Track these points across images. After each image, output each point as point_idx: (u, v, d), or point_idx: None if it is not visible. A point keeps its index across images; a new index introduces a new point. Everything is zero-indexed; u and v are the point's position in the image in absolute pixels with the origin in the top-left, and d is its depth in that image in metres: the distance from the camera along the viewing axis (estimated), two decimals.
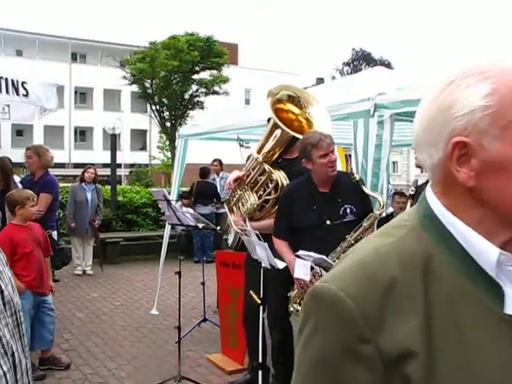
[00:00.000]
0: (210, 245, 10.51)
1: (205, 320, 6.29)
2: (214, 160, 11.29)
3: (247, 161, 4.45)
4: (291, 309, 3.68)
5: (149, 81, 22.01)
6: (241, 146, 4.97)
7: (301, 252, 3.09)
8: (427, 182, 2.84)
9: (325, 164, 3.53)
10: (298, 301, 3.63)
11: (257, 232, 3.54)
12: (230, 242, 4.97)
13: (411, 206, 2.91)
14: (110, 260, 10.48)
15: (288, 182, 4.09)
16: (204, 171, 10.90)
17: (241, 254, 4.63)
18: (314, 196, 3.65)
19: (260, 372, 3.71)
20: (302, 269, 3.20)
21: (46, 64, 36.43)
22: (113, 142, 12.31)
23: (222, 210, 9.32)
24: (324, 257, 2.90)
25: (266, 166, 4.15)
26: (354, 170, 3.58)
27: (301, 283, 3.46)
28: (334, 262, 3.32)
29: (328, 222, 3.55)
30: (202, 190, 10.62)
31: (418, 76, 5.44)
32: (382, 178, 3.94)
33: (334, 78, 38.50)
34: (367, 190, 3.54)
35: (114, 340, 5.94)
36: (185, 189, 11.27)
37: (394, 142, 7.74)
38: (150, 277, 9.14)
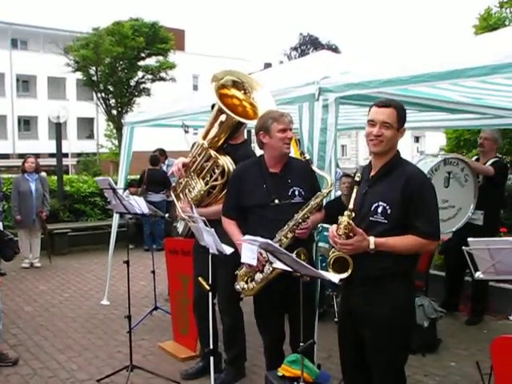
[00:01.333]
0: (161, 233, 10.43)
1: (156, 308, 6.25)
2: (156, 150, 11.17)
3: (192, 148, 4.41)
4: (237, 286, 3.69)
5: (93, 68, 21.47)
6: (186, 132, 4.91)
7: (247, 237, 3.10)
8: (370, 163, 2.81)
9: (282, 139, 3.58)
10: (246, 279, 3.64)
11: (203, 218, 3.52)
12: (180, 230, 4.94)
13: (357, 191, 2.93)
14: (59, 251, 10.32)
15: (234, 167, 4.09)
16: (154, 159, 10.78)
17: (189, 240, 4.60)
18: (264, 176, 3.67)
19: (212, 358, 3.71)
20: (248, 253, 3.21)
21: None
22: (58, 130, 12.02)
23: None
24: (269, 241, 2.91)
25: (212, 152, 4.14)
26: (307, 156, 3.61)
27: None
28: (280, 241, 3.34)
29: (276, 202, 3.57)
30: (152, 177, 10.52)
31: (363, 60, 5.51)
32: (327, 161, 3.96)
33: (281, 62, 38.48)
34: (316, 168, 3.57)
35: (63, 332, 5.84)
36: (133, 177, 11.15)
37: (342, 126, 7.88)
38: (100, 267, 9.02)
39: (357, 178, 2.88)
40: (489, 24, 9.48)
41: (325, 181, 3.54)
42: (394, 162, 2.97)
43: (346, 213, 2.84)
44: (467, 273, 6.11)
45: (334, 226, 2.92)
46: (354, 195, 2.88)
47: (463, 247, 3.23)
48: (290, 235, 3.43)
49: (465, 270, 5.94)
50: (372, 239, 2.82)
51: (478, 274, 3.31)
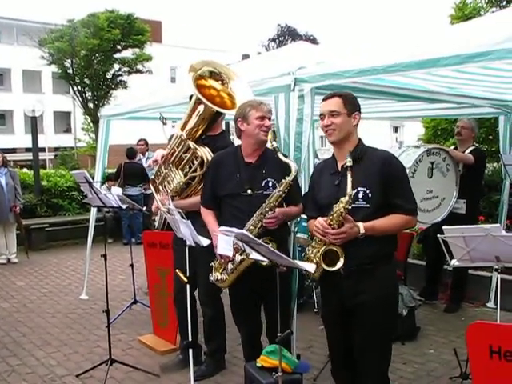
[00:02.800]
0: (140, 226, 10.37)
1: (135, 302, 6.22)
2: (140, 140, 11.07)
3: (170, 140, 4.39)
4: (211, 278, 3.68)
5: (69, 60, 21.21)
6: (164, 124, 4.87)
7: (222, 228, 3.09)
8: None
9: (259, 125, 3.56)
10: (221, 270, 3.63)
11: (179, 210, 3.50)
12: (156, 223, 4.91)
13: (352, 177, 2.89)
14: (37, 247, 10.22)
15: None
16: (131, 152, 10.68)
17: (168, 233, 4.58)
18: (239, 166, 3.65)
19: (190, 350, 3.70)
20: (224, 245, 3.20)
21: None
22: (33, 124, 11.85)
23: (150, 191, 9.20)
24: (245, 232, 2.90)
25: (191, 143, 4.11)
26: (275, 144, 3.58)
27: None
28: (248, 230, 3.32)
29: (249, 192, 3.55)
30: (129, 171, 10.42)
31: (339, 50, 5.52)
32: (304, 151, 3.96)
33: (259, 53, 38.40)
34: (281, 156, 3.52)
35: (42, 328, 5.78)
36: (111, 171, 11.05)
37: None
38: (78, 262, 8.96)
39: (348, 163, 2.86)
40: (464, 14, 9.57)
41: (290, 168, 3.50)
42: (360, 149, 3.03)
43: (343, 199, 2.83)
44: (446, 261, 6.17)
45: (321, 218, 2.92)
46: (349, 180, 2.83)
47: (438, 235, 3.26)
48: (258, 225, 3.43)
49: (443, 258, 5.98)
50: (361, 224, 2.85)
51: (454, 262, 3.34)
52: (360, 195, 2.91)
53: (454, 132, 6.21)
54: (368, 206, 2.90)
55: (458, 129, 6.00)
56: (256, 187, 3.56)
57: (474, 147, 5.92)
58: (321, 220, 2.92)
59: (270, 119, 3.64)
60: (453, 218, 5.24)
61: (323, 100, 3.09)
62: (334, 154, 3.15)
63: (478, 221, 6.11)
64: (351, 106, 3.04)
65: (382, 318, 2.97)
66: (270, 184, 3.56)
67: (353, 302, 2.98)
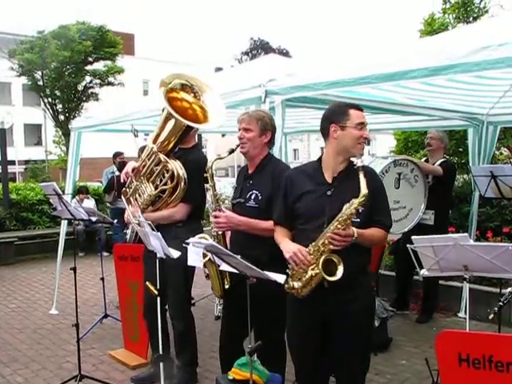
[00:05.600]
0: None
1: (106, 316, 6.13)
2: (119, 154, 10.89)
3: (141, 152, 4.36)
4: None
5: (39, 72, 21.02)
6: (135, 136, 4.86)
7: (191, 239, 3.06)
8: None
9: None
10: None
11: (149, 222, 3.47)
12: (128, 236, 4.86)
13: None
14: (5, 261, 10.04)
15: (184, 171, 4.05)
16: (122, 165, 10.47)
17: (139, 246, 4.54)
18: (244, 176, 3.67)
19: (161, 364, 3.65)
20: (193, 256, 3.17)
21: None
22: (2, 137, 11.67)
23: None
24: (214, 243, 2.89)
25: (162, 156, 4.09)
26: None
27: None
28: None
29: (235, 202, 3.58)
30: (122, 183, 10.17)
31: (309, 62, 5.57)
32: None
33: (232, 67, 38.56)
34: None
35: (9, 344, 5.64)
36: (82, 184, 10.91)
37: (292, 129, 7.93)
38: (48, 276, 8.82)
39: (360, 163, 2.81)
40: (433, 29, 9.78)
41: None
42: (351, 163, 2.94)
43: (355, 200, 2.77)
44: (416, 272, 6.21)
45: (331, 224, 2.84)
46: (362, 179, 2.78)
47: (408, 245, 3.28)
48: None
49: (413, 269, 6.04)
50: (354, 229, 2.82)
51: (423, 271, 3.37)
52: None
53: (425, 143, 6.29)
54: (358, 220, 2.88)
55: (428, 140, 6.09)
56: (243, 198, 3.55)
57: (444, 159, 6.00)
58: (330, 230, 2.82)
59: (245, 130, 3.52)
60: (421, 229, 5.29)
61: (356, 109, 2.99)
62: (318, 165, 3.07)
63: (446, 232, 6.15)
64: None
65: (364, 327, 3.00)
66: (253, 196, 3.51)
67: (337, 313, 2.93)
